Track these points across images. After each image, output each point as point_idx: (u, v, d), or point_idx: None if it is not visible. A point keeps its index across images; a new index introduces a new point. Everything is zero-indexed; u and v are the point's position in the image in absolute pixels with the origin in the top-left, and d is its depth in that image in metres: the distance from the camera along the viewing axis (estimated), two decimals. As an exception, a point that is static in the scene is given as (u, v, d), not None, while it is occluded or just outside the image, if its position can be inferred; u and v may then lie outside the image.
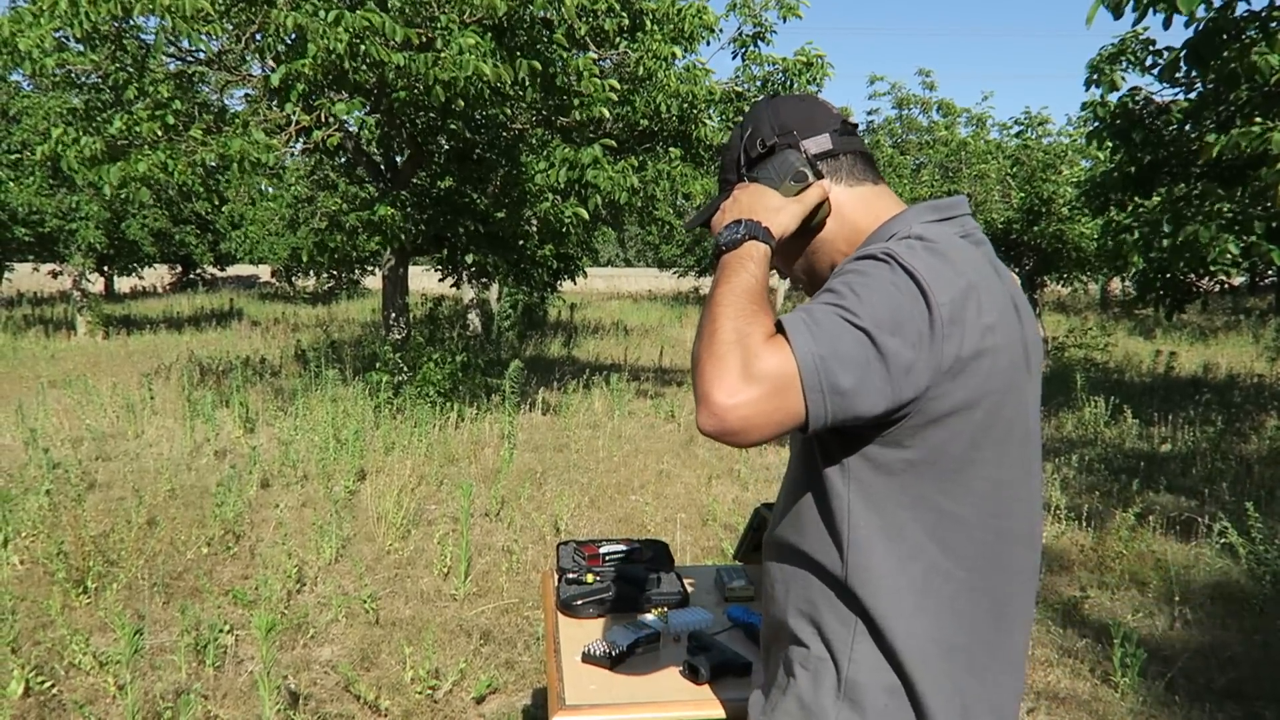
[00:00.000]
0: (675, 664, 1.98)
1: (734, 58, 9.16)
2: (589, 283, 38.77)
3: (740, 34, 9.06)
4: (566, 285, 17.92)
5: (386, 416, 8.32)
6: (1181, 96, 7.29)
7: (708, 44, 9.03)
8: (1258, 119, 5.45)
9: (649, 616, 2.20)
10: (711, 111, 8.64)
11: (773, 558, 1.37)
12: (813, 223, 1.35)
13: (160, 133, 7.10)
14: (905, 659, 1.18)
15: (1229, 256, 6.04)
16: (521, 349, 15.28)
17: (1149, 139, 7.19)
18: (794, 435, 1.26)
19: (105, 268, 23.16)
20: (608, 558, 2.45)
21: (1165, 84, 6.84)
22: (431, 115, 7.47)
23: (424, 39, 6.38)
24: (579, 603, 2.28)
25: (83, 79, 8.36)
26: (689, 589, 2.35)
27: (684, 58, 7.99)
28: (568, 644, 2.09)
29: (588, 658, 1.97)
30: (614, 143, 8.16)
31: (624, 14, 7.69)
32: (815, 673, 1.23)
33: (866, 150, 1.39)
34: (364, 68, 6.23)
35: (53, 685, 3.58)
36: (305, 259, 10.31)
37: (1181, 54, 6.32)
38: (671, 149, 8.55)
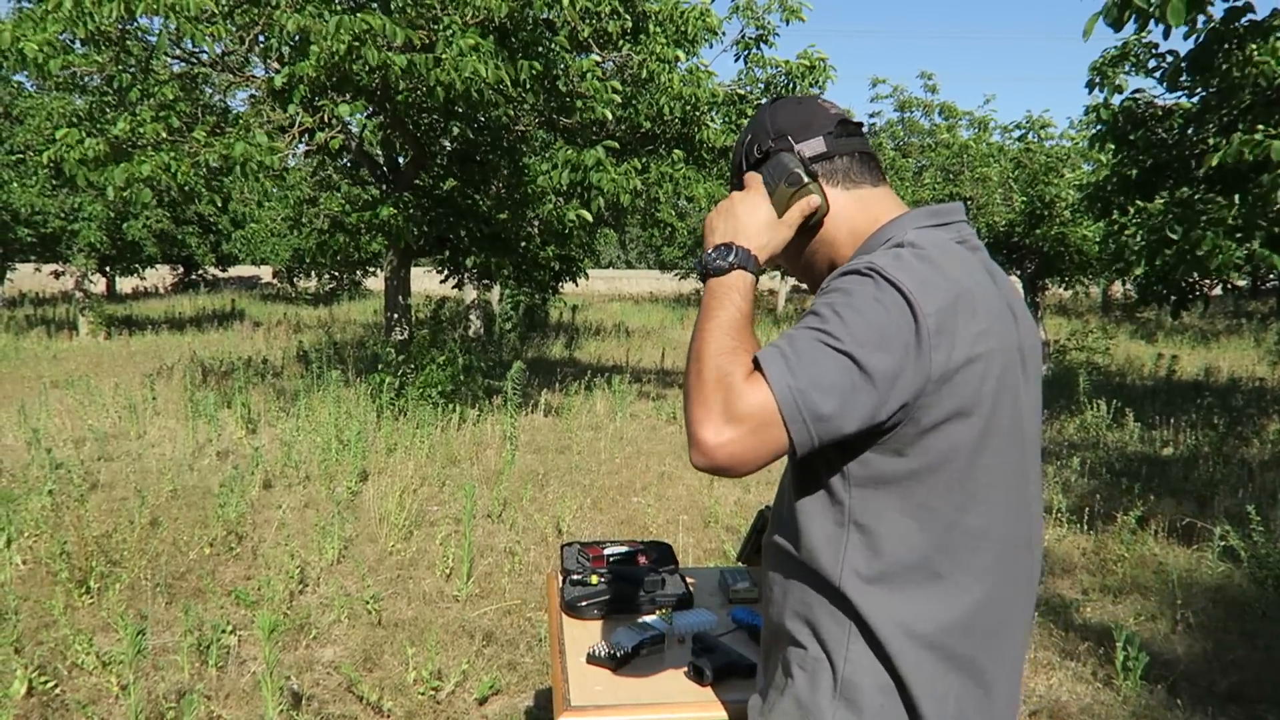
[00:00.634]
0: (680, 665, 1.99)
1: (737, 60, 9.17)
2: (590, 284, 38.77)
3: (743, 36, 9.07)
4: (568, 287, 17.92)
5: (389, 418, 8.33)
6: (1184, 100, 7.30)
7: (710, 46, 9.05)
8: (1260, 127, 5.46)
9: (653, 618, 2.21)
10: (714, 114, 8.64)
11: (771, 561, 1.38)
12: (809, 224, 1.36)
13: (164, 134, 7.10)
14: (900, 663, 1.19)
15: (1233, 262, 6.05)
16: (523, 350, 15.28)
17: (1151, 143, 7.20)
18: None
19: (107, 268, 23.19)
20: (612, 559, 2.46)
21: (1168, 89, 6.85)
22: (434, 117, 7.48)
23: (426, 41, 6.39)
24: (583, 604, 2.28)
25: (86, 80, 8.37)
26: (693, 590, 2.35)
27: (687, 60, 7.99)
28: (572, 645, 2.09)
29: (592, 659, 1.97)
30: (616, 144, 8.17)
31: (627, 16, 7.70)
32: (812, 673, 1.24)
33: (868, 150, 1.40)
34: (365, 70, 6.24)
35: (56, 685, 3.59)
36: (308, 260, 10.32)
37: (1183, 62, 6.34)
38: (675, 151, 8.55)
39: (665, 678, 1.92)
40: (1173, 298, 7.49)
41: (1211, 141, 6.43)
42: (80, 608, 4.35)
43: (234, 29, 7.40)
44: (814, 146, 1.36)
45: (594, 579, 2.37)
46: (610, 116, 7.21)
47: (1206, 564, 5.05)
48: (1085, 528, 5.70)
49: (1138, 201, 7.31)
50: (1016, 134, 11.86)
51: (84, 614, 4.29)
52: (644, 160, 8.44)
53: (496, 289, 17.99)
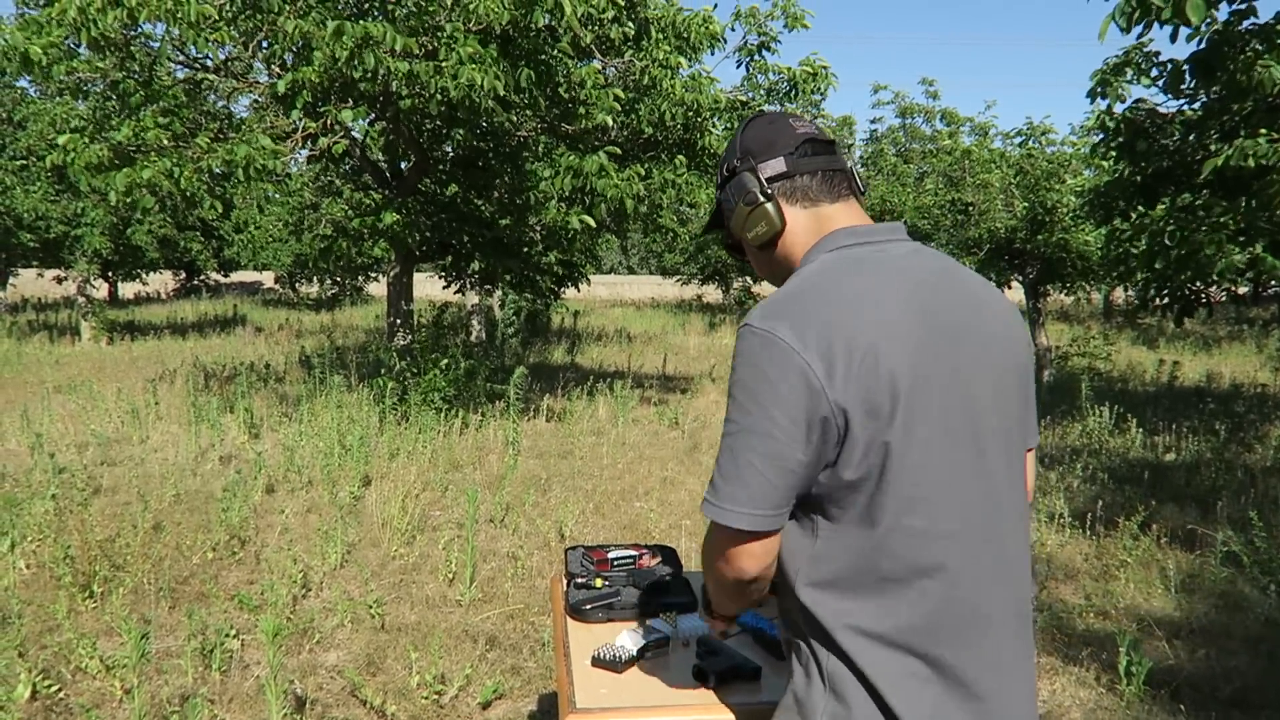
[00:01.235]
0: (684, 669, 1.99)
1: (739, 66, 9.19)
2: (592, 290, 38.78)
3: (745, 43, 9.09)
4: (569, 292, 17.95)
5: (391, 423, 8.34)
6: (1186, 107, 7.32)
7: (712, 53, 9.07)
8: (1262, 131, 5.47)
9: (657, 621, 2.21)
10: (716, 120, 8.66)
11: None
12: (764, 241, 1.48)
13: (167, 140, 7.13)
14: (860, 662, 1.26)
15: (1235, 268, 6.05)
16: (525, 356, 15.29)
17: (1152, 150, 7.21)
18: None
19: (109, 273, 23.22)
20: (616, 563, 2.46)
21: (1170, 96, 6.86)
22: (436, 123, 7.50)
23: (427, 48, 6.41)
24: (588, 607, 2.29)
25: (89, 86, 8.39)
26: (697, 594, 2.35)
27: (689, 67, 8.01)
28: (576, 648, 2.10)
29: (598, 661, 1.98)
30: (618, 150, 8.19)
31: (630, 23, 7.72)
32: (807, 667, 1.32)
33: (836, 167, 1.47)
34: (367, 76, 6.26)
35: (59, 689, 3.59)
36: (310, 265, 10.35)
37: (1185, 67, 6.35)
38: (678, 157, 8.57)
39: (670, 680, 1.93)
40: (1175, 305, 7.50)
41: (1213, 148, 6.44)
42: (84, 612, 4.36)
43: (237, 35, 7.43)
44: (774, 166, 1.45)
45: (598, 582, 2.38)
46: (611, 123, 7.22)
47: (1209, 569, 5.04)
48: (1088, 533, 5.70)
49: (1139, 208, 7.32)
50: (1018, 140, 11.87)
51: (87, 618, 4.30)
52: (646, 166, 8.46)
53: (498, 294, 18.00)
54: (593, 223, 7.88)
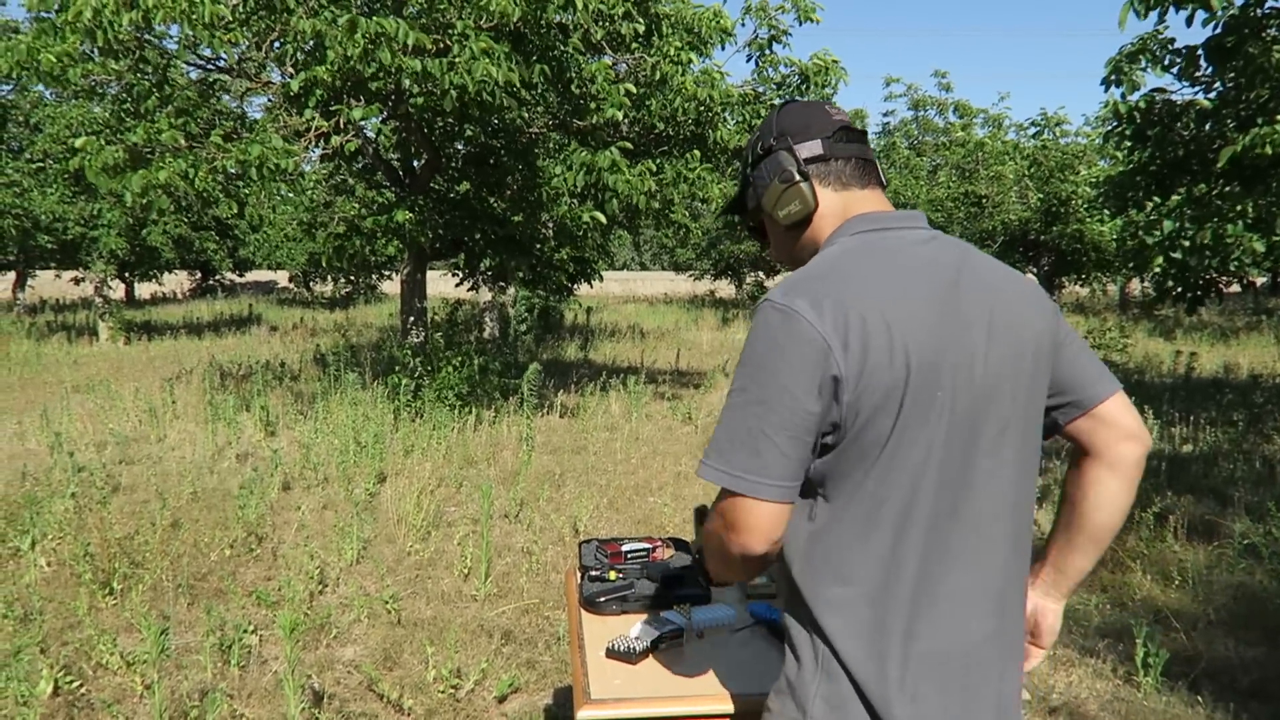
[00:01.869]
0: (699, 659, 2.00)
1: (749, 60, 9.18)
2: (605, 286, 38.77)
3: (756, 37, 9.07)
4: (583, 289, 17.94)
5: (406, 420, 8.37)
6: (1202, 96, 7.25)
7: (723, 48, 9.05)
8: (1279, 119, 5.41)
9: (672, 613, 2.22)
10: (728, 114, 8.65)
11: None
12: (796, 220, 1.48)
13: (181, 141, 7.17)
14: (839, 649, 1.30)
15: (1256, 256, 6.00)
16: (538, 352, 15.32)
17: (1167, 139, 7.15)
18: None
19: (126, 274, 23.39)
20: (630, 556, 2.47)
21: (1185, 83, 6.80)
22: (449, 120, 7.52)
23: (440, 45, 6.43)
24: (602, 599, 2.29)
25: (105, 89, 8.45)
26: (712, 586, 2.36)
27: (699, 62, 8.00)
28: (591, 640, 2.11)
29: (612, 653, 1.99)
30: (630, 146, 8.18)
31: (640, 19, 7.72)
32: (799, 649, 1.35)
33: (867, 156, 1.51)
34: (379, 74, 6.28)
35: (81, 685, 3.63)
36: (324, 264, 10.39)
37: (1200, 52, 6.29)
38: (690, 151, 8.56)
39: (684, 671, 1.94)
40: (1189, 295, 7.44)
41: (1230, 136, 6.38)
42: (104, 608, 4.40)
43: (250, 35, 7.47)
44: (811, 148, 1.47)
45: (612, 575, 2.39)
46: (621, 118, 7.22)
47: (1227, 561, 5.01)
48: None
49: (1155, 198, 7.27)
50: (1032, 131, 11.80)
51: (107, 615, 4.34)
52: (658, 161, 8.46)
53: (511, 291, 18.03)
54: (604, 218, 7.89)
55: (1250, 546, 5.07)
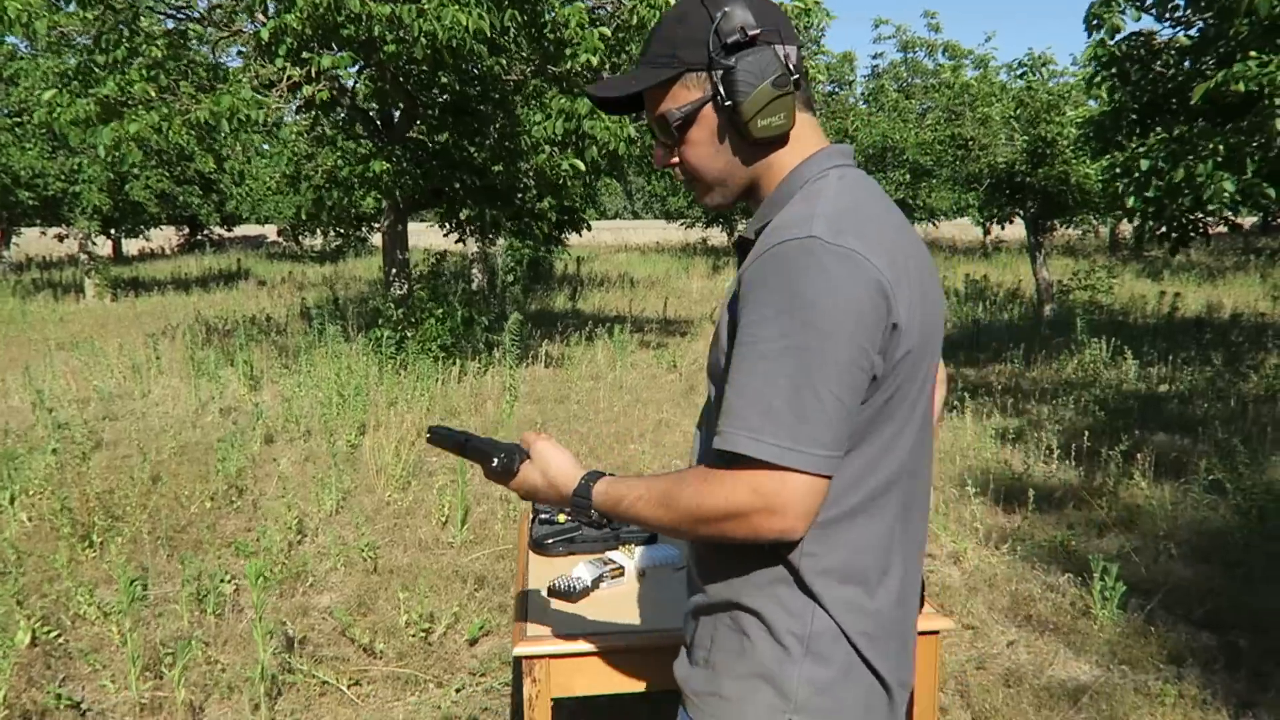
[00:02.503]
0: (644, 599, 2.05)
1: (729, 3, 9.02)
2: (596, 236, 38.56)
3: (734, -22, 8.92)
4: (574, 239, 17.87)
5: (390, 372, 8.40)
6: (1182, 34, 7.18)
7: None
8: (1253, 55, 5.37)
9: (616, 553, 2.26)
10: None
11: None
12: (759, 137, 1.23)
13: (153, 93, 7.09)
14: (862, 649, 1.21)
15: (1225, 195, 6.00)
16: (525, 303, 15.31)
17: (1145, 78, 7.09)
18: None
19: (111, 230, 23.22)
20: (579, 498, 2.50)
21: (1163, 23, 6.73)
22: (423, 69, 7.44)
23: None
24: (549, 541, 2.34)
25: (75, 40, 8.32)
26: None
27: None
28: (536, 580, 2.16)
29: (553, 591, 2.03)
30: (609, 92, 8.10)
31: (617, -39, 7.59)
32: (777, 636, 1.22)
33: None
34: (349, 21, 6.20)
35: (59, 635, 3.70)
36: (304, 217, 10.34)
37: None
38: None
39: (623, 610, 1.98)
40: (1172, 235, 7.44)
41: (1209, 74, 6.33)
42: (83, 561, 4.46)
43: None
44: (793, 55, 1.23)
45: (561, 517, 2.43)
46: (595, 63, 7.14)
47: (1192, 496, 5.09)
48: (1074, 464, 5.74)
49: (1135, 138, 7.23)
50: (1019, 73, 11.68)
51: (87, 567, 4.40)
52: (637, 107, 8.38)
53: (501, 242, 17.96)
54: (583, 166, 7.84)
55: (1216, 483, 5.15)
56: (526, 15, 6.77)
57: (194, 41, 8.15)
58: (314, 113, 8.72)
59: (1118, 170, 6.78)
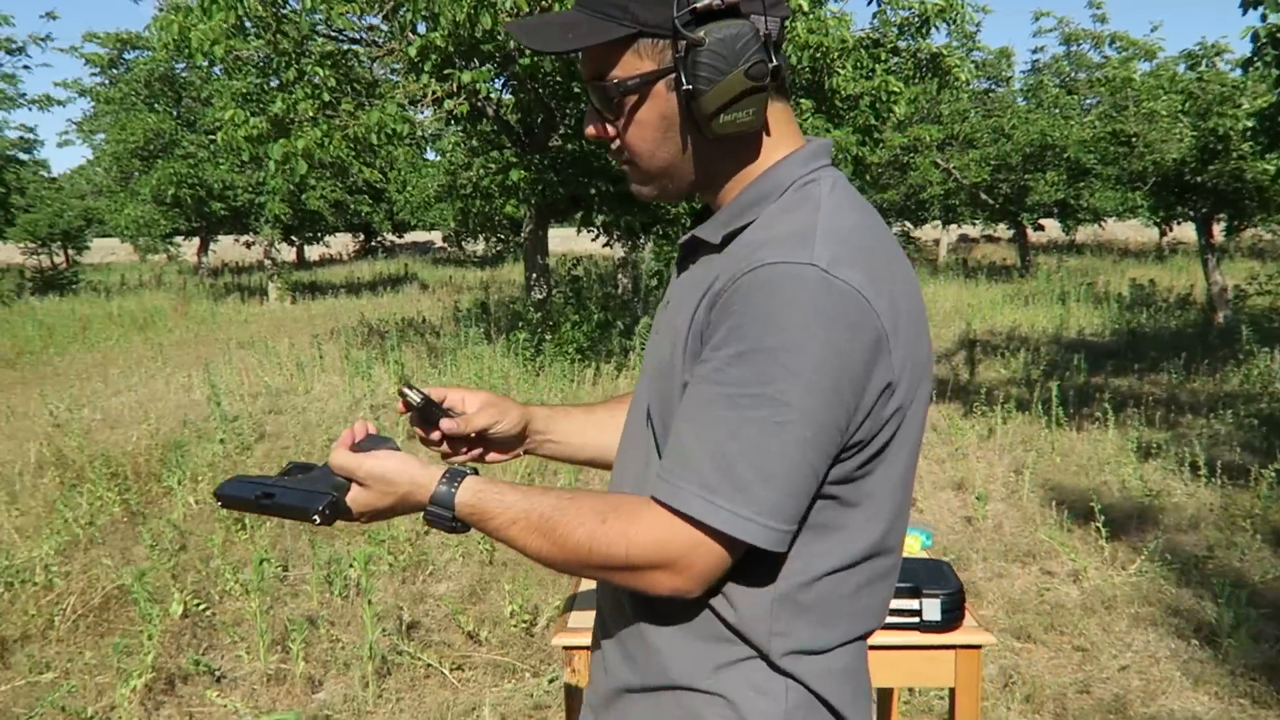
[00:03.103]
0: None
1: (870, 3, 8.89)
2: (749, 240, 38.34)
3: (874, -23, 8.79)
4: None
5: (529, 373, 8.72)
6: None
7: (839, -9, 8.84)
8: None
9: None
10: (845, 61, 8.44)
11: None
12: (713, 131, 1.00)
13: (314, 111, 7.65)
14: (826, 693, 1.10)
15: None
16: (669, 307, 15.45)
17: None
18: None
19: (292, 237, 25.01)
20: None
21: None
22: (557, 79, 7.71)
23: (542, 6, 6.60)
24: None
25: (250, 65, 9.06)
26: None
27: (811, 9, 7.83)
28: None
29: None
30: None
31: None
32: (741, 712, 1.05)
33: None
34: (487, 37, 6.50)
35: (207, 608, 4.08)
36: (452, 224, 10.85)
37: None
38: (802, 100, 8.44)
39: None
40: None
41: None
42: (236, 543, 4.88)
43: (374, 5, 7.84)
44: (773, 24, 0.99)
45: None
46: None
47: (1357, 523, 4.66)
48: (1221, 482, 5.35)
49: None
50: (1189, 64, 10.91)
51: (239, 549, 4.81)
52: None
53: (649, 247, 18.22)
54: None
55: (1387, 509, 4.70)
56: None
57: (354, 61, 8.72)
58: (461, 125, 9.17)
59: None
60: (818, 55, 8.08)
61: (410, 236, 40.55)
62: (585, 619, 1.96)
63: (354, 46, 8.76)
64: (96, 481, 5.51)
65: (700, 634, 1.03)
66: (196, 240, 25.30)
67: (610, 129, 1.07)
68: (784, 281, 0.92)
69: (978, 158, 18.41)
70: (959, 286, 17.82)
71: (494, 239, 28.74)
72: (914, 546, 2.34)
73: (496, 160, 9.23)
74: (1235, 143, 10.04)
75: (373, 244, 34.79)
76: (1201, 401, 7.58)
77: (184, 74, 20.58)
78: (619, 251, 17.25)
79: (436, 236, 39.46)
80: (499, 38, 6.52)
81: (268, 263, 20.23)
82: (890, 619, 1.85)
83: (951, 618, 1.89)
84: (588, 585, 2.17)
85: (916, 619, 1.89)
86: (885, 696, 2.49)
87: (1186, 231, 15.28)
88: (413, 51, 6.96)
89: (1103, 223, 21.50)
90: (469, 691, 3.43)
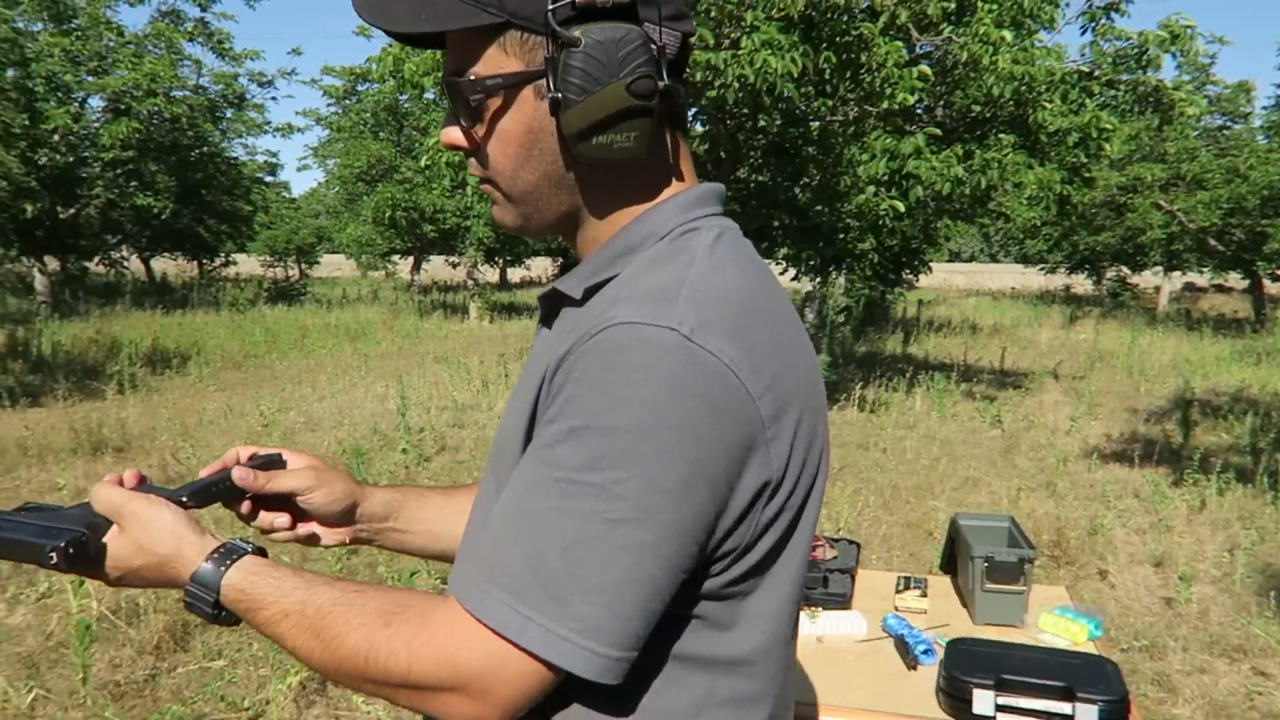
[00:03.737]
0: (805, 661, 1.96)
1: (1083, 33, 8.34)
2: (947, 279, 37.06)
3: (1090, 6, 8.22)
4: (922, 280, 17.26)
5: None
6: None
7: (1052, 24, 8.33)
8: None
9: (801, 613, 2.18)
10: (1052, 94, 7.94)
11: None
12: (581, 154, 0.84)
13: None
14: None
15: None
16: (854, 345, 15.05)
17: None
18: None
19: (495, 259, 26.23)
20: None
21: None
22: (744, 111, 7.65)
23: (730, 38, 6.57)
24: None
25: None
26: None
27: (1015, 40, 7.41)
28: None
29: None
30: (939, 131, 7.81)
31: (952, -1, 7.32)
32: None
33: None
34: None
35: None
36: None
37: None
38: (1002, 136, 7.99)
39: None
40: None
41: None
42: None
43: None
44: (671, 37, 0.83)
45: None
46: (912, 102, 6.91)
47: None
48: None
49: None
50: None
51: (406, 561, 4.99)
52: (967, 146, 7.98)
53: (841, 281, 17.85)
54: (900, 207, 7.61)
55: None
56: (842, 56, 6.73)
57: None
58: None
59: None
60: (1022, 88, 7.63)
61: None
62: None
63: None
64: (286, 482, 5.88)
65: None
66: (410, 259, 27.01)
67: (468, 139, 0.90)
68: (635, 347, 0.74)
69: (1207, 199, 16.95)
70: (1179, 339, 16.38)
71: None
72: (1080, 636, 2.08)
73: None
74: None
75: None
76: None
77: (406, 105, 22.08)
78: (806, 285, 16.99)
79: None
80: (686, 71, 6.54)
81: (470, 283, 21.29)
82: (1033, 720, 1.63)
83: (1110, 728, 1.65)
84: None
85: (1066, 725, 1.66)
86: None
87: None
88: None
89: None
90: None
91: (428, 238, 21.94)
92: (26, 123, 15.97)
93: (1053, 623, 2.12)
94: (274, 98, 75.94)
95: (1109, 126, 7.79)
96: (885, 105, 7.00)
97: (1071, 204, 8.61)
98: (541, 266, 37.86)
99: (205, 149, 22.01)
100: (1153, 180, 14.63)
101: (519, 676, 0.74)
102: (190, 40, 21.07)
